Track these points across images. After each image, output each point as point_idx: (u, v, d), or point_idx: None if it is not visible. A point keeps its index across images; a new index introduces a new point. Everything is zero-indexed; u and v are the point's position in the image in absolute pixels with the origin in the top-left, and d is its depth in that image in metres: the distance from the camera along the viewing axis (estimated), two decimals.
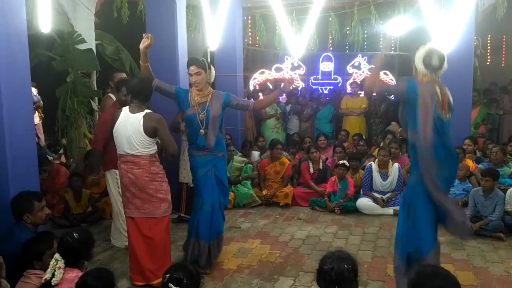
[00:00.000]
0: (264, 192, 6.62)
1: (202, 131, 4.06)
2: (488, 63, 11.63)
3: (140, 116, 3.72)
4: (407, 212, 3.37)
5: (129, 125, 3.72)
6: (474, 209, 5.18)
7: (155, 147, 3.83)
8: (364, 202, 6.15)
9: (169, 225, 4.00)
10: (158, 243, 3.85)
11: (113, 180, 4.75)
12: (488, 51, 11.63)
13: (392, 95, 3.38)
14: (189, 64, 4.11)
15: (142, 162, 3.76)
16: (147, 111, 3.77)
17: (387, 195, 6.15)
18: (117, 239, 4.86)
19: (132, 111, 3.77)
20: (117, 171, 4.43)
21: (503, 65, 12.03)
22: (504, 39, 11.91)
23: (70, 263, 2.89)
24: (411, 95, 3.18)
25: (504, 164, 5.95)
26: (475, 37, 7.36)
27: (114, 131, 3.82)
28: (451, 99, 3.30)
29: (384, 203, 6.06)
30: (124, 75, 5.21)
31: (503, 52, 12.07)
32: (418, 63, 3.27)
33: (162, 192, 3.85)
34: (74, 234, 2.91)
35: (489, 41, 11.46)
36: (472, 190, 5.34)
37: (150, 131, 3.71)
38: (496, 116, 8.36)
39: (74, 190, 5.79)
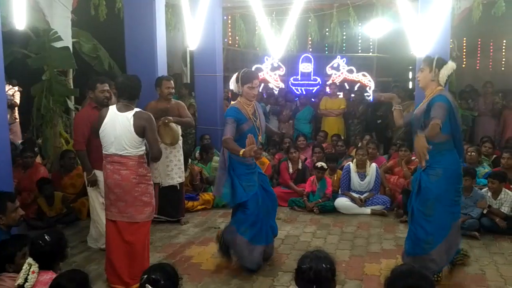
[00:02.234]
0: None
1: (260, 137, 4.25)
2: (463, 66, 11.85)
3: (130, 115, 3.62)
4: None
5: (118, 124, 3.62)
6: None
7: (144, 147, 3.72)
8: (342, 201, 6.20)
9: (149, 229, 3.93)
10: (138, 248, 3.77)
11: None
12: (464, 53, 11.86)
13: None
14: (254, 77, 4.13)
15: (130, 163, 3.66)
16: (136, 109, 3.68)
17: (364, 195, 6.21)
18: (97, 240, 4.73)
19: (119, 109, 3.67)
20: (98, 172, 4.34)
21: (478, 67, 12.29)
22: (479, 42, 12.17)
23: (44, 266, 2.83)
24: (451, 108, 3.65)
25: (479, 164, 6.07)
26: (451, 40, 7.49)
27: (100, 131, 3.71)
28: None
29: (362, 203, 6.11)
30: (107, 86, 4.85)
31: (478, 55, 12.33)
32: (444, 76, 3.71)
33: (147, 195, 3.76)
34: (46, 237, 2.84)
35: (464, 44, 11.67)
36: None
37: (140, 130, 3.62)
38: (470, 117, 8.54)
39: (45, 196, 5.62)
